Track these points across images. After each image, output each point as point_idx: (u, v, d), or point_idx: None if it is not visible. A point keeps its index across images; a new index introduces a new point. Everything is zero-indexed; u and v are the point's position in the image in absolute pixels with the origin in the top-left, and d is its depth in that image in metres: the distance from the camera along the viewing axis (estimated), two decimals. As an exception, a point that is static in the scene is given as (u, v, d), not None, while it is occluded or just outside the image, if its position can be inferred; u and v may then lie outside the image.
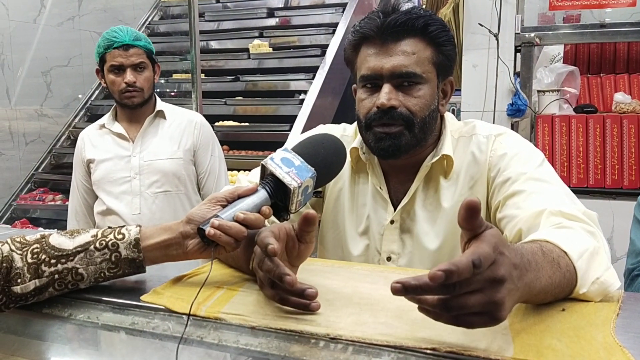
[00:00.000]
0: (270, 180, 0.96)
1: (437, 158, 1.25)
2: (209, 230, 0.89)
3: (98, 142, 2.28)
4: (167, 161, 2.22)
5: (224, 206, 0.94)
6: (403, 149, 1.20)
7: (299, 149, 1.00)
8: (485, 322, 0.66)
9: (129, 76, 2.15)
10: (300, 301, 0.82)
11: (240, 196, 0.95)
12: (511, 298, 0.67)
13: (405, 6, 1.24)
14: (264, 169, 0.97)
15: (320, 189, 1.05)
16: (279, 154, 0.97)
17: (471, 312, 0.65)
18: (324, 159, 1.01)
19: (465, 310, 0.65)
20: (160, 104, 2.31)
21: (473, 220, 0.65)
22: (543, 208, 1.03)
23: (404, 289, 0.63)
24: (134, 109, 2.23)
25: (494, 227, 0.68)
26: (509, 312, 0.67)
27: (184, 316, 0.84)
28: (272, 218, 1.02)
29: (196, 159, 2.29)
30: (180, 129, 2.28)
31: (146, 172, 2.21)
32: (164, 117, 2.29)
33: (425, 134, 1.22)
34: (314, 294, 0.82)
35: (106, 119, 2.30)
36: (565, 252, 0.84)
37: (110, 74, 2.17)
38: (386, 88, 1.18)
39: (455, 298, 0.64)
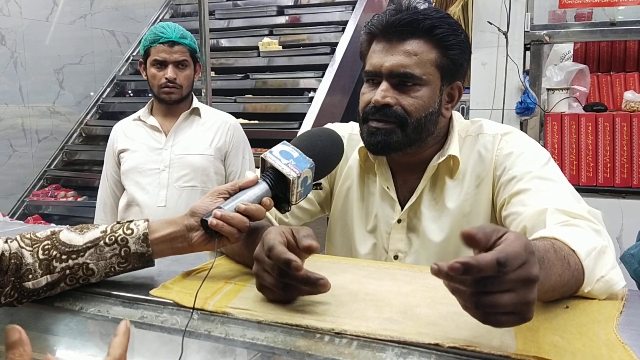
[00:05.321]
0: (270, 173, 0.98)
1: (443, 158, 1.24)
2: (211, 220, 0.91)
3: (131, 134, 2.31)
4: (197, 156, 2.25)
5: (226, 198, 0.96)
6: (393, 147, 1.19)
7: (297, 142, 1.03)
8: (515, 321, 0.64)
9: (170, 72, 2.19)
10: (310, 288, 0.82)
11: (242, 188, 0.97)
12: None
13: (423, 6, 1.24)
14: (264, 162, 0.99)
15: (320, 181, 1.07)
16: (277, 147, 0.99)
17: (502, 311, 0.63)
18: (322, 151, 1.04)
19: (496, 310, 0.63)
20: (197, 103, 2.35)
21: (477, 243, 0.63)
22: (548, 206, 1.03)
23: (438, 271, 0.61)
24: (171, 105, 2.27)
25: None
26: None
27: (191, 310, 0.85)
28: (275, 212, 1.03)
29: (227, 159, 2.32)
30: (214, 128, 2.31)
31: (176, 166, 2.24)
32: (199, 115, 2.32)
33: (419, 135, 1.20)
34: (325, 282, 0.82)
35: (142, 112, 2.34)
36: (573, 251, 0.84)
37: (153, 68, 2.22)
38: (383, 86, 1.18)
39: (487, 296, 0.62)
